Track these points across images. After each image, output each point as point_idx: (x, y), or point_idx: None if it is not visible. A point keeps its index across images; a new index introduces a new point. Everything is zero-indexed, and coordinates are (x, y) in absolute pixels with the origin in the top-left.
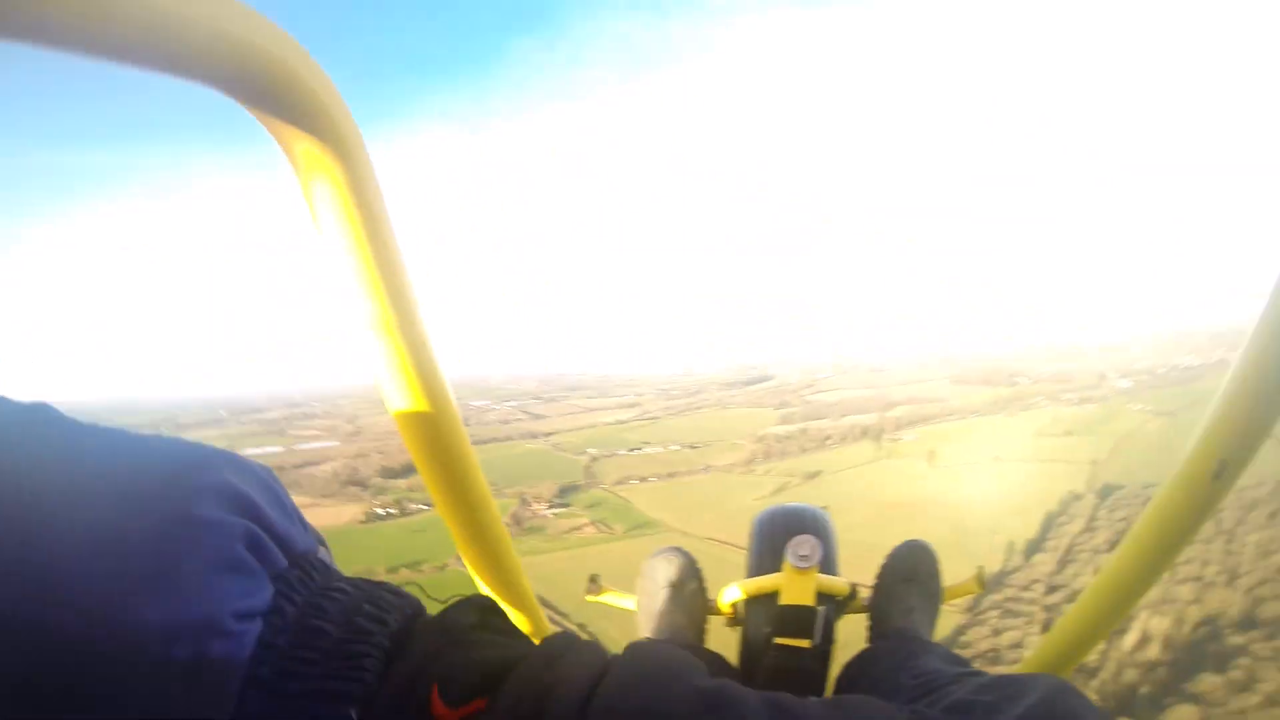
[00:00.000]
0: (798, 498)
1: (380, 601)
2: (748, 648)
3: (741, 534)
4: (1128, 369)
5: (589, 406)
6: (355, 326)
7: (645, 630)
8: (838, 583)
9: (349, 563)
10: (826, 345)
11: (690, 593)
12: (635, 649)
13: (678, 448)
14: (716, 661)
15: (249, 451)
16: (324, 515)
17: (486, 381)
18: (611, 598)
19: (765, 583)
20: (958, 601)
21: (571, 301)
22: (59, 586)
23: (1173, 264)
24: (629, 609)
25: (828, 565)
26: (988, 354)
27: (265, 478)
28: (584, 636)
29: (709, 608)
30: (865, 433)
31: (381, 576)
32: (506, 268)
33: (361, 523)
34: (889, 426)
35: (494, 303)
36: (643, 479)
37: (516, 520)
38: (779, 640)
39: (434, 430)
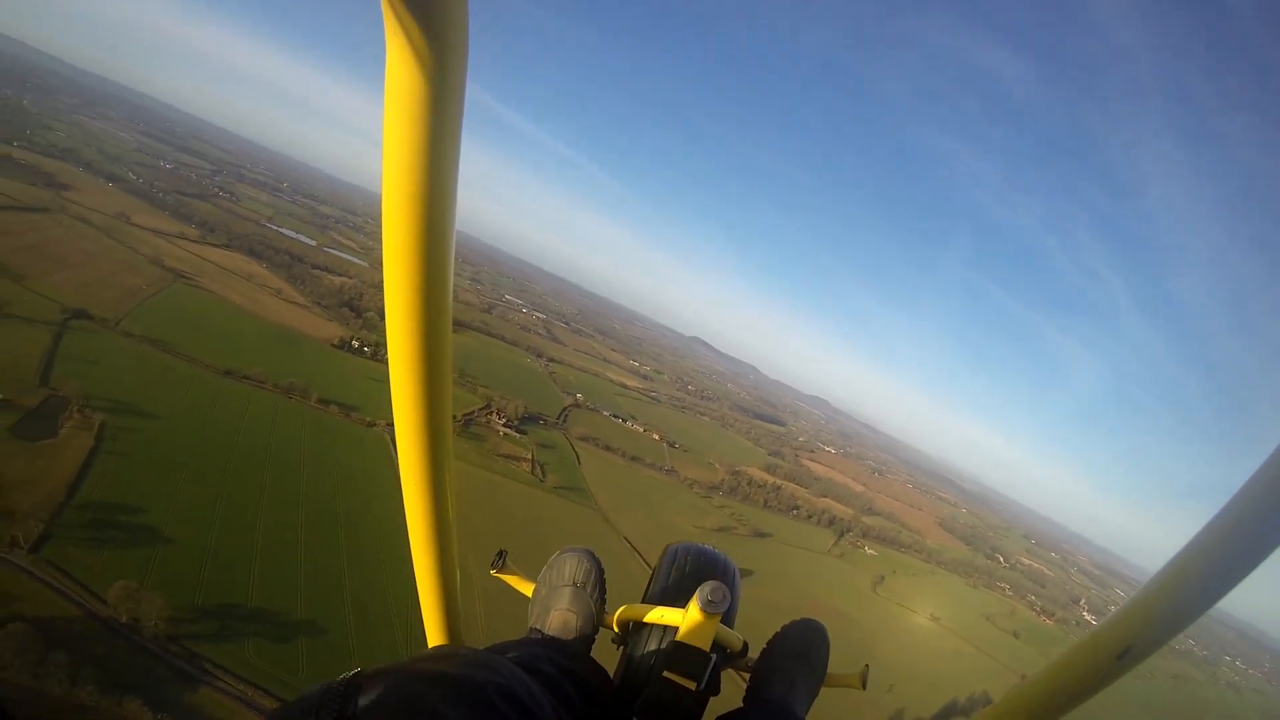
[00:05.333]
0: (738, 549)
1: None
2: (631, 671)
3: (657, 550)
4: (1102, 607)
5: (606, 356)
6: (383, 257)
7: (534, 620)
8: (734, 636)
9: (291, 374)
10: (857, 424)
11: (590, 599)
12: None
13: (658, 438)
14: (598, 674)
15: (283, 230)
16: (307, 320)
17: (539, 279)
18: (513, 578)
19: (668, 615)
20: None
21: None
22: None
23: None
24: (526, 594)
25: (728, 617)
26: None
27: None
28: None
29: (603, 619)
30: (833, 523)
31: (312, 404)
32: None
33: (334, 345)
34: (857, 530)
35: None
36: (607, 448)
37: (466, 419)
38: (667, 674)
39: (422, 403)
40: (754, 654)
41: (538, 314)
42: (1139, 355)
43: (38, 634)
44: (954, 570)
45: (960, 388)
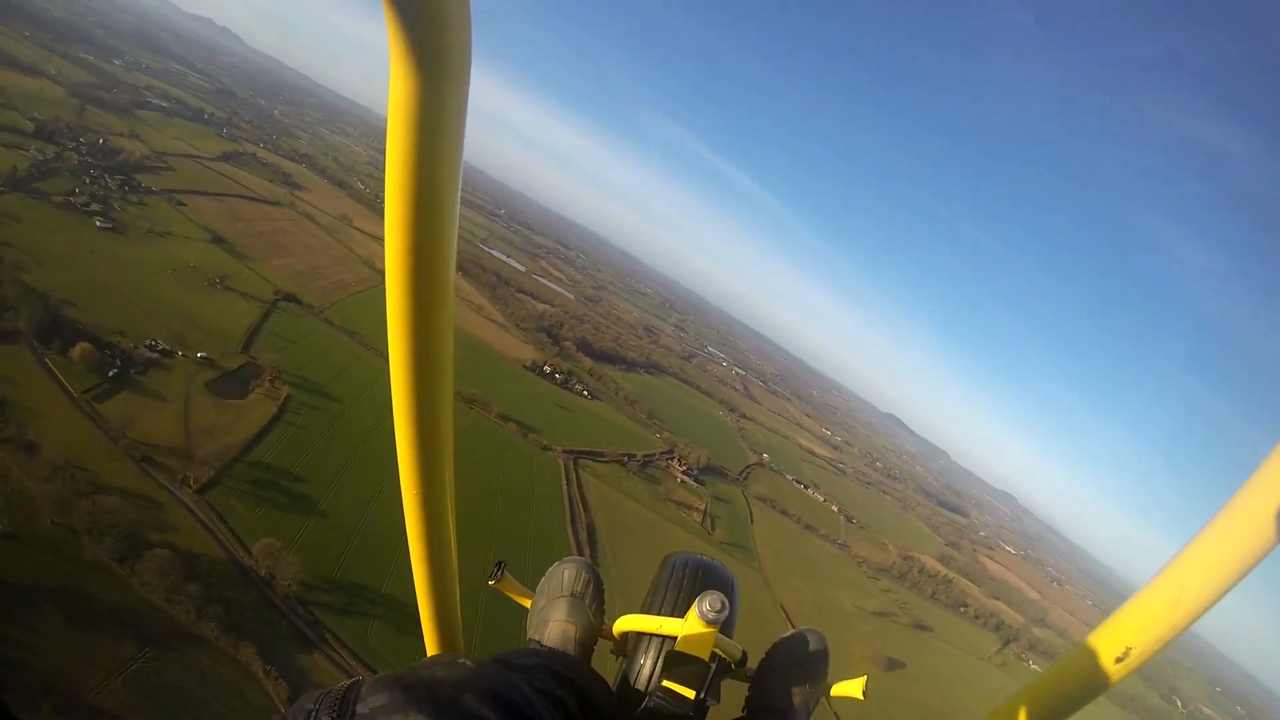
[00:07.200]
0: (895, 638)
1: None
2: (630, 681)
3: (809, 621)
4: None
5: (799, 420)
6: (385, 293)
7: (533, 631)
8: (733, 646)
9: (476, 386)
10: (1042, 526)
11: (588, 609)
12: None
13: (836, 510)
14: (597, 683)
15: (494, 252)
16: (502, 338)
17: (744, 336)
18: (512, 590)
19: (667, 625)
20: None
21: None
22: None
23: None
24: (525, 605)
25: (727, 628)
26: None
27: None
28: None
29: (602, 629)
30: (1000, 628)
31: (491, 418)
32: None
33: (525, 367)
34: (1025, 640)
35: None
36: (784, 512)
37: (646, 460)
38: (666, 683)
39: (420, 414)
40: (753, 664)
41: (738, 369)
42: None
43: (181, 563)
44: (1123, 705)
45: (1162, 503)
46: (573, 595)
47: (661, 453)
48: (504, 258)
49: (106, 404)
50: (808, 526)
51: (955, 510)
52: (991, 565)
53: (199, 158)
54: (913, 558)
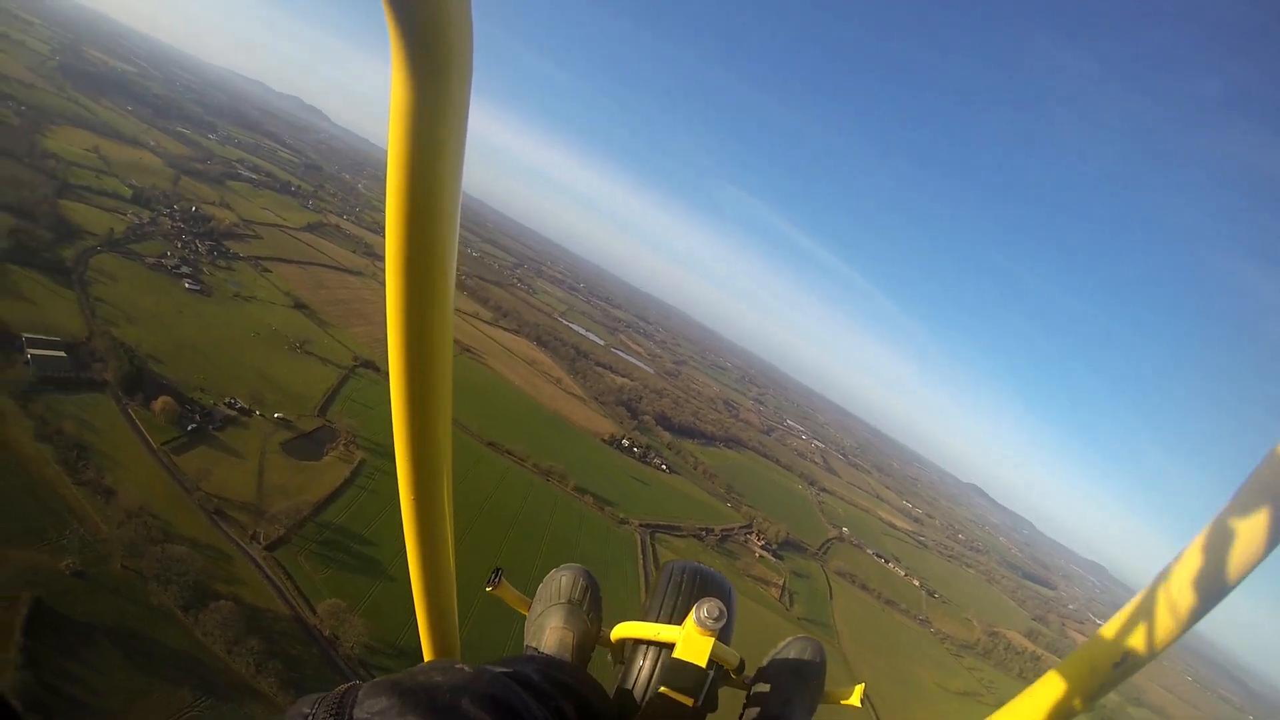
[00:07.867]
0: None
1: None
2: (628, 688)
3: (888, 698)
4: None
5: (879, 493)
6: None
7: (530, 638)
8: (731, 654)
9: (553, 458)
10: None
11: (585, 615)
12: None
13: (918, 585)
14: (594, 690)
15: (573, 326)
16: (580, 411)
17: (823, 408)
18: (510, 597)
19: (665, 632)
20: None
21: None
22: None
23: None
24: (522, 613)
25: (725, 635)
26: None
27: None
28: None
29: (599, 636)
30: (1093, 708)
31: (568, 490)
32: None
33: (603, 440)
34: (1121, 716)
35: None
36: (864, 587)
37: (724, 534)
38: (664, 690)
39: (419, 422)
40: (751, 672)
41: (817, 442)
42: None
43: (244, 616)
44: None
45: (1273, 575)
46: (570, 602)
47: (740, 527)
48: (583, 332)
49: (184, 456)
50: (888, 602)
51: (1042, 583)
52: (1082, 640)
53: (285, 227)
54: (998, 633)
